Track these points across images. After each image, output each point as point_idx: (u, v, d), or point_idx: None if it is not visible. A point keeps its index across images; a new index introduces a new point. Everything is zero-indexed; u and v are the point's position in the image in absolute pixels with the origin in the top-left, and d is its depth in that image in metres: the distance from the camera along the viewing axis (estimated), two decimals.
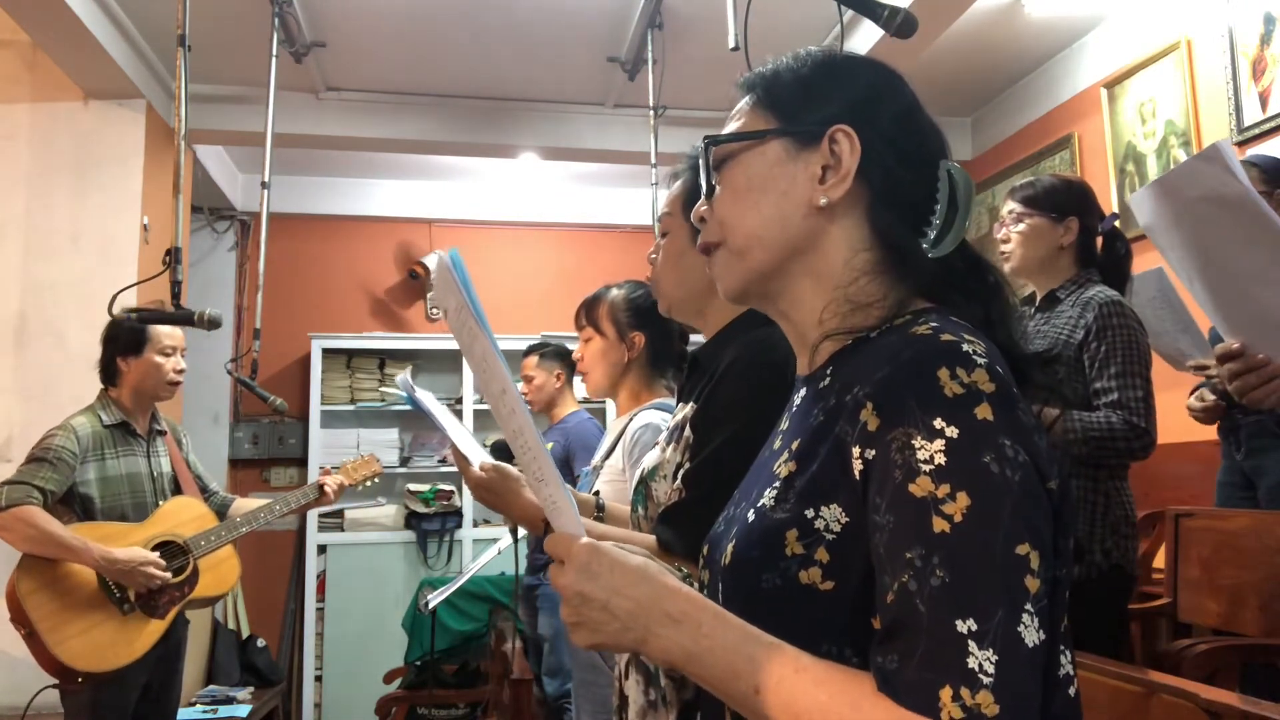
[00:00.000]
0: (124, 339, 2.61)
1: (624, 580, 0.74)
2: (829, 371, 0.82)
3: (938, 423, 0.66)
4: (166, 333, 2.65)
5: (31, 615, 2.35)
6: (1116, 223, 2.25)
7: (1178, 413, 2.43)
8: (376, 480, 3.03)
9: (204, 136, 4.23)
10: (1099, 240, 2.20)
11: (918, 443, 0.66)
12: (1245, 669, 2.04)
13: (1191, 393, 2.39)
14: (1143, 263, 2.25)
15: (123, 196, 3.70)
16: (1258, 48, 3.04)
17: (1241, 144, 3.07)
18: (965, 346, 0.70)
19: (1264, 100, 3.01)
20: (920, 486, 0.66)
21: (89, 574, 2.44)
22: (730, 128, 0.90)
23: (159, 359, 2.64)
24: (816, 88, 0.87)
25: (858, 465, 0.70)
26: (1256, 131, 3.02)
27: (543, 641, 3.16)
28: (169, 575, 2.49)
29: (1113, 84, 3.69)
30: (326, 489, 2.83)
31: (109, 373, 2.66)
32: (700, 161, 0.90)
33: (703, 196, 0.91)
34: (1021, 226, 2.16)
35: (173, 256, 2.34)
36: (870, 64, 0.89)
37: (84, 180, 3.67)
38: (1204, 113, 3.26)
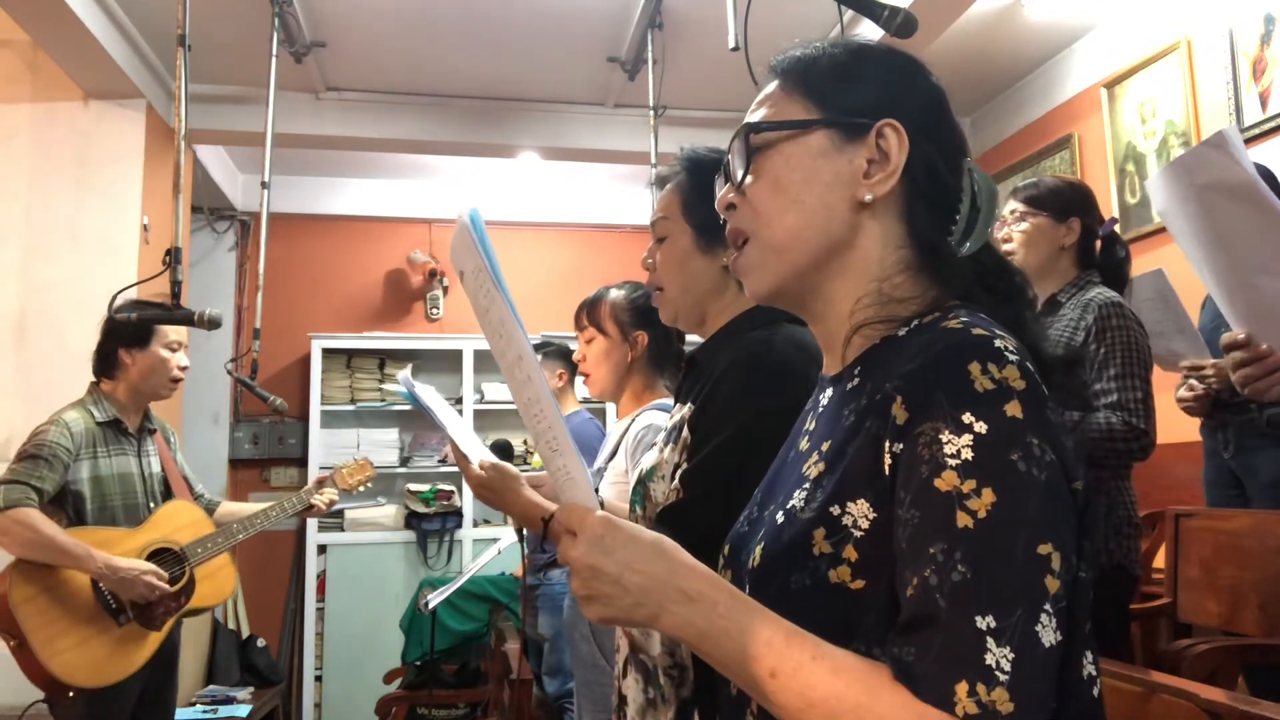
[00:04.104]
0: (130, 330, 2.49)
1: (638, 555, 0.72)
2: (857, 371, 0.81)
3: (966, 418, 0.66)
4: (173, 327, 2.54)
5: (24, 625, 2.24)
6: (1116, 227, 2.25)
7: (1178, 413, 2.42)
8: (369, 485, 2.99)
9: (204, 136, 4.23)
10: (1098, 244, 2.20)
11: (945, 437, 0.66)
12: (1246, 669, 2.04)
13: (1180, 384, 2.38)
14: (1141, 265, 2.25)
15: (123, 196, 3.70)
16: (1258, 48, 3.03)
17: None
18: (997, 342, 0.69)
19: (1264, 100, 3.01)
20: (946, 481, 0.65)
21: (84, 583, 2.34)
22: (759, 114, 0.86)
23: (165, 353, 2.53)
24: (857, 77, 0.84)
25: (887, 460, 0.70)
26: (1256, 131, 3.02)
27: (543, 641, 3.16)
28: (168, 586, 2.40)
29: (1113, 84, 3.69)
30: (316, 504, 2.75)
31: (108, 364, 2.54)
32: (734, 147, 0.87)
33: (729, 183, 0.87)
34: (1024, 226, 2.16)
35: (173, 256, 2.32)
36: (904, 55, 0.86)
37: (84, 180, 3.67)
38: (1204, 113, 3.26)
